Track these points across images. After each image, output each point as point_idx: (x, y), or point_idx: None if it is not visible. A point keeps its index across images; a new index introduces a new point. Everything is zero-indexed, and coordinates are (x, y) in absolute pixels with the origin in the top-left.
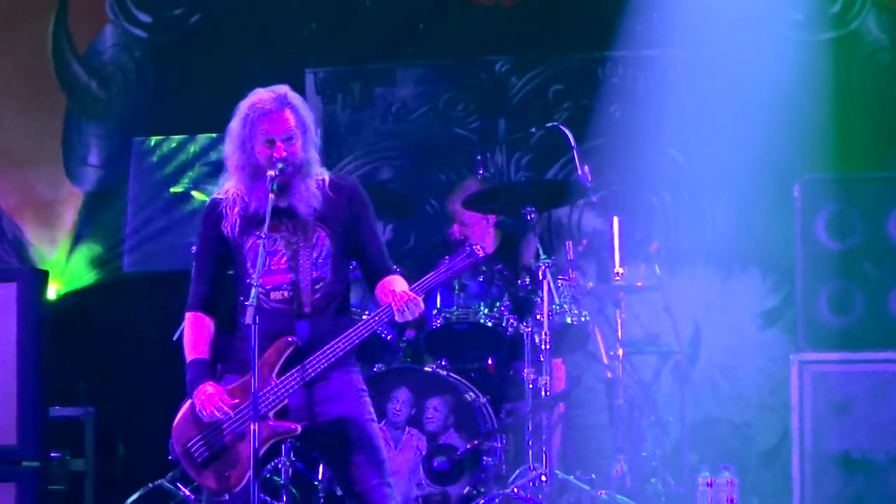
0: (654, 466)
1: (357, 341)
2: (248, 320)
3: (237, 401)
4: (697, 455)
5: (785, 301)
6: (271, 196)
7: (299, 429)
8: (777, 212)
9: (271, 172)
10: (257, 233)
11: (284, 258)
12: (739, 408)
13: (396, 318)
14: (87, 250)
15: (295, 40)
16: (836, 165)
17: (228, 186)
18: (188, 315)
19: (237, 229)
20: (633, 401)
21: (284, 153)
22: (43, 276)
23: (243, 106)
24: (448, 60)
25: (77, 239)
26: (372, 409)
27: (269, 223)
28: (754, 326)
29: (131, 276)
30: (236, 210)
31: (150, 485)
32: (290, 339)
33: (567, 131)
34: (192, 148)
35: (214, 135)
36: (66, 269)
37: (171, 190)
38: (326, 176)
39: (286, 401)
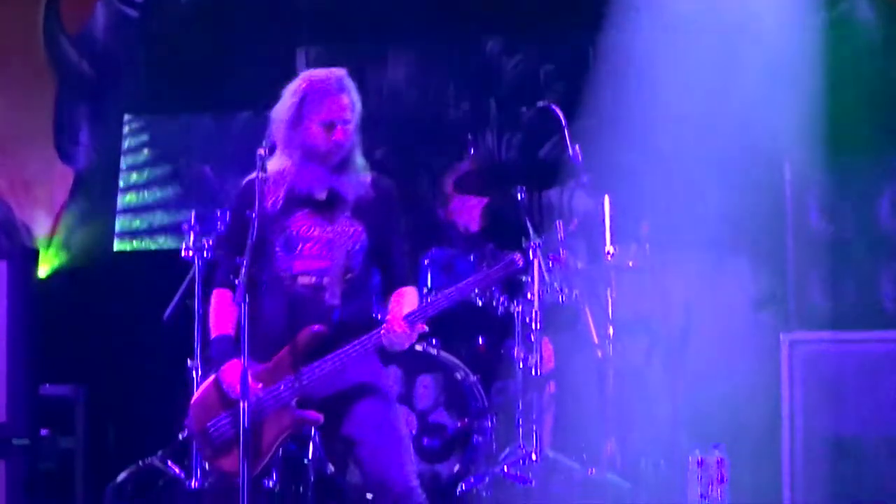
0: (645, 446)
1: (364, 350)
2: (238, 299)
3: (261, 384)
4: (688, 435)
5: (776, 284)
6: (322, 175)
7: (322, 418)
8: (768, 195)
9: (261, 151)
10: (304, 215)
11: (318, 245)
12: (730, 389)
13: (386, 345)
14: (77, 229)
15: (287, 19)
16: (827, 150)
17: (274, 165)
18: (215, 292)
19: (279, 208)
20: (624, 381)
21: (342, 137)
22: (33, 255)
23: (297, 85)
24: (439, 41)
25: (68, 218)
26: (392, 390)
27: (311, 209)
28: (745, 309)
29: (122, 255)
30: (282, 188)
31: (140, 463)
32: (316, 328)
33: (558, 111)
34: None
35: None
36: (57, 248)
37: (162, 169)
38: (368, 173)
39: (309, 390)
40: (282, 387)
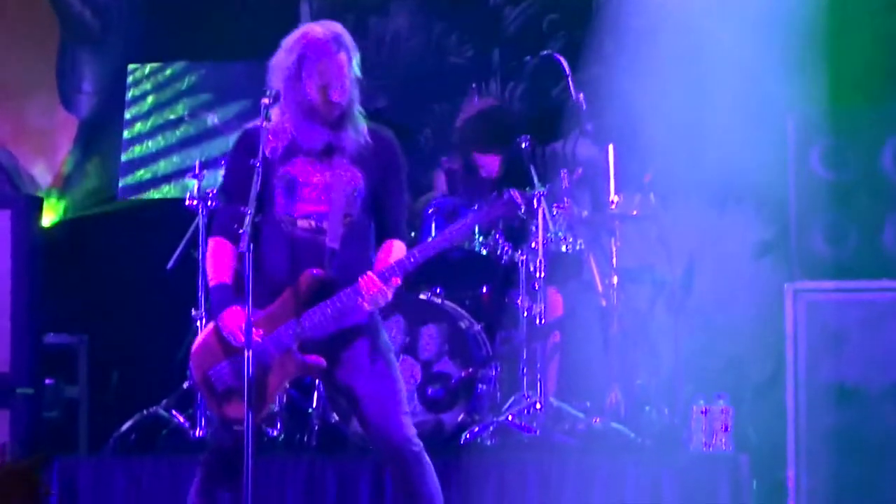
0: (649, 395)
1: (338, 307)
2: (242, 247)
3: (262, 330)
4: (692, 384)
5: (779, 233)
6: (322, 129)
7: (325, 363)
8: (771, 144)
9: (265, 100)
10: (302, 162)
11: (317, 189)
12: (733, 338)
13: (361, 303)
14: (81, 178)
15: None
16: (830, 99)
17: (275, 118)
18: (212, 240)
19: (279, 155)
20: (628, 330)
21: (340, 97)
22: (37, 204)
23: (295, 41)
24: None
25: (72, 166)
26: (389, 342)
27: (310, 157)
28: (748, 258)
29: (126, 204)
30: (281, 139)
31: (145, 412)
32: (316, 272)
33: (562, 59)
34: (189, 78)
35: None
36: (61, 197)
37: (167, 117)
38: (366, 124)
39: (312, 333)
40: (283, 332)
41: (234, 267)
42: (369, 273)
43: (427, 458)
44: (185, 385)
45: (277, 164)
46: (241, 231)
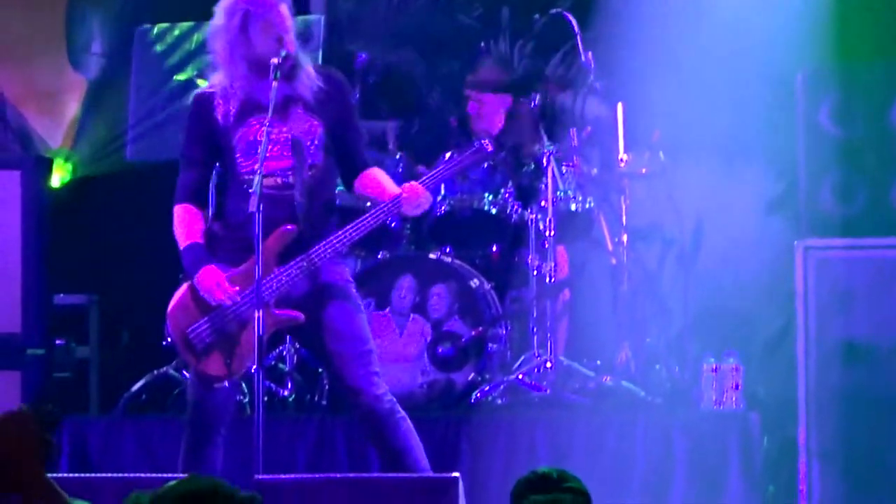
0: (659, 353)
1: (364, 231)
2: (252, 207)
3: (238, 287)
4: (701, 342)
5: (788, 190)
6: (274, 84)
7: (302, 317)
8: (780, 101)
9: (275, 60)
10: (258, 120)
11: (278, 145)
12: (743, 296)
13: (406, 210)
14: (91, 139)
15: None
16: (838, 56)
17: (219, 79)
18: (176, 208)
19: (232, 118)
20: (638, 288)
21: (292, 47)
22: (46, 164)
23: (235, 2)
24: None
25: (81, 127)
26: (358, 301)
27: (265, 113)
28: (757, 215)
29: (135, 165)
30: (233, 101)
31: (156, 372)
32: (289, 227)
33: (571, 18)
34: (197, 36)
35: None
36: (71, 158)
37: (175, 78)
38: (311, 67)
39: (286, 287)
40: (270, 288)
41: (203, 228)
42: (412, 182)
43: (401, 413)
44: (164, 343)
45: (233, 128)
46: (251, 192)
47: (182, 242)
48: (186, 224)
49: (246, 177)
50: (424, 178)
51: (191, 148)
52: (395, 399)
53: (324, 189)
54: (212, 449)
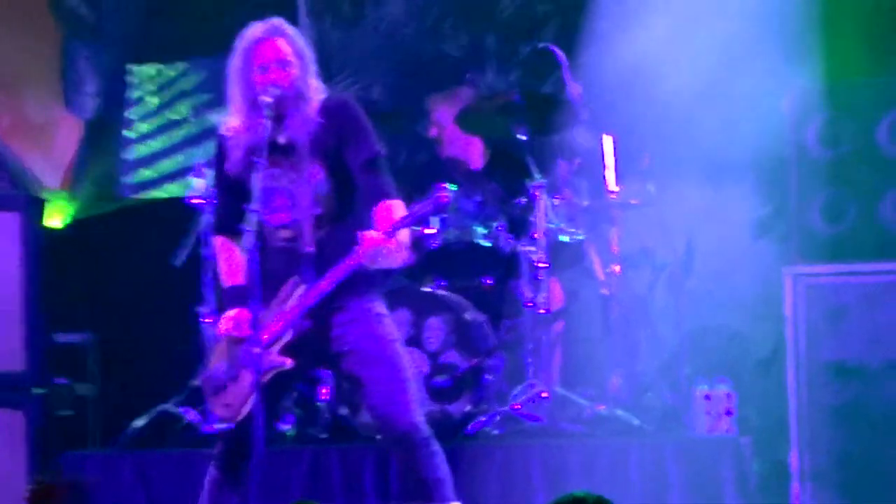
0: (650, 379)
1: (340, 277)
2: (246, 245)
3: (251, 332)
4: (693, 367)
5: (777, 211)
6: (267, 123)
7: (288, 363)
8: (768, 122)
9: (266, 98)
10: (262, 164)
11: (284, 195)
12: (733, 319)
13: (367, 263)
14: (90, 178)
15: None
16: (826, 79)
17: (231, 122)
18: (215, 239)
19: (240, 166)
20: (629, 314)
21: (277, 77)
22: (44, 206)
23: (238, 42)
24: None
25: (77, 167)
26: (395, 334)
27: (270, 159)
28: (747, 237)
29: (131, 203)
30: (239, 146)
31: (157, 409)
32: (294, 280)
33: (557, 50)
34: (191, 78)
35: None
36: (70, 199)
37: (168, 117)
38: (316, 100)
39: (290, 335)
40: (265, 335)
41: (240, 263)
42: (369, 232)
43: (437, 445)
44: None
45: (244, 171)
46: (245, 230)
47: (222, 282)
48: (223, 260)
49: (264, 226)
50: (388, 229)
51: (216, 185)
52: (432, 430)
53: (338, 236)
54: (235, 484)
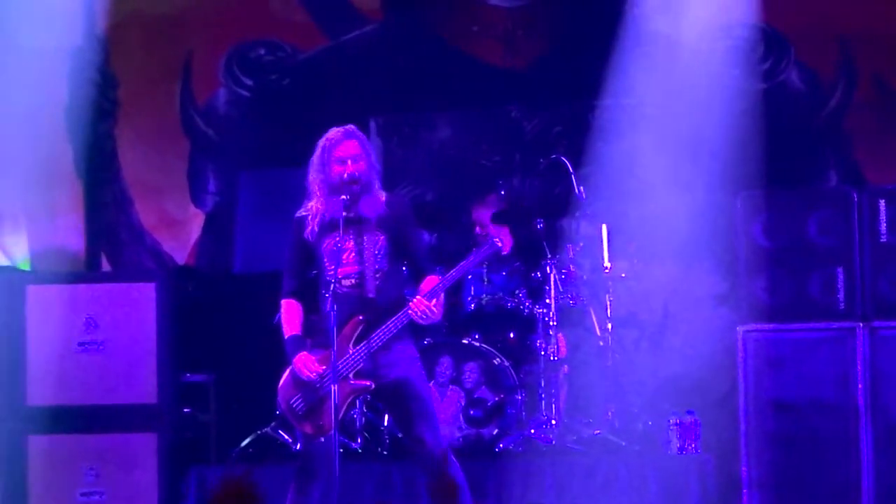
0: (636, 411)
1: (398, 327)
2: (328, 307)
3: (324, 367)
4: (668, 402)
5: (732, 285)
6: (344, 200)
7: (373, 385)
8: (725, 218)
9: (344, 197)
10: (335, 234)
11: (353, 254)
12: (699, 366)
13: (416, 320)
14: (207, 256)
15: (360, 95)
16: (769, 185)
17: (311, 204)
18: (283, 302)
19: (315, 235)
20: (619, 363)
21: (353, 169)
22: (175, 276)
23: (320, 143)
24: (475, 109)
25: (200, 248)
26: (423, 371)
27: (343, 228)
28: (709, 305)
29: (240, 275)
30: (316, 220)
31: (258, 432)
32: (360, 318)
33: (567, 161)
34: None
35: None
36: (191, 271)
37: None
38: (383, 195)
39: (360, 365)
40: (339, 366)
41: (301, 321)
42: (417, 297)
43: (454, 459)
44: (277, 412)
45: (318, 241)
46: (327, 295)
47: (286, 333)
48: (288, 317)
49: (332, 278)
50: (451, 272)
51: (290, 259)
52: (449, 448)
53: (392, 287)
54: (313, 490)
